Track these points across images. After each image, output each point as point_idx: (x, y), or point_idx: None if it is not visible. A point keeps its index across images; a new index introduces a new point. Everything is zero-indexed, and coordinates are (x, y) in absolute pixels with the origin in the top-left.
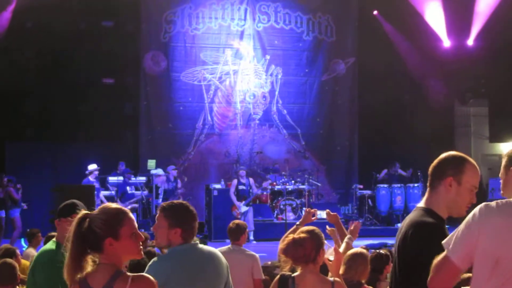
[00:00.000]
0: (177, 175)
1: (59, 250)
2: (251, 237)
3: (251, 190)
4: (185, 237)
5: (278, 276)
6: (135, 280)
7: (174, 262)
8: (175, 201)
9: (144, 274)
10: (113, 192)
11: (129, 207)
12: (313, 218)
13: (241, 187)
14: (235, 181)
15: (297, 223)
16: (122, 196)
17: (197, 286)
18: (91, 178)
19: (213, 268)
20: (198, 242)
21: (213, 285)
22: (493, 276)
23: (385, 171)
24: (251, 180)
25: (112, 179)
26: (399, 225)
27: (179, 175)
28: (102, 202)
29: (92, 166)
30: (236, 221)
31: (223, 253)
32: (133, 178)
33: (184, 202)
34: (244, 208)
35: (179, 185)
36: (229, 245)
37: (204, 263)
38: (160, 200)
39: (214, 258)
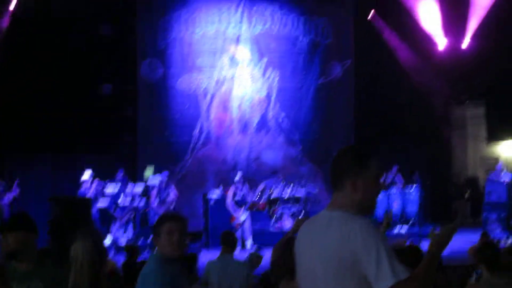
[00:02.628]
0: (166, 184)
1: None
2: (248, 246)
3: (247, 197)
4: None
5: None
6: None
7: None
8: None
9: None
10: (109, 203)
11: (125, 218)
12: None
13: (238, 195)
14: (231, 191)
15: (288, 232)
16: (117, 207)
17: None
18: (86, 188)
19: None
20: None
21: None
22: None
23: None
24: (246, 186)
25: (108, 190)
26: (396, 229)
27: (168, 182)
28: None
29: (86, 175)
30: (228, 231)
31: (215, 262)
32: (129, 187)
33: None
34: (243, 217)
35: (172, 193)
36: (219, 255)
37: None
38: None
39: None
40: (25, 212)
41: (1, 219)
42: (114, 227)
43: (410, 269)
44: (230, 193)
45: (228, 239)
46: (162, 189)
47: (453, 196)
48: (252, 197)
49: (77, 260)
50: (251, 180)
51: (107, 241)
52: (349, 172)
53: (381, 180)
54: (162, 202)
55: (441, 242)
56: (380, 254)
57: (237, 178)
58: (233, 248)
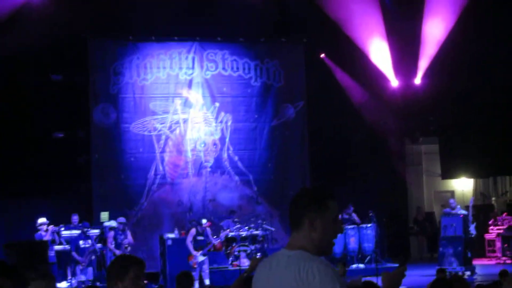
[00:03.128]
0: (123, 228)
1: None
2: (207, 283)
3: (207, 240)
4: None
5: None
6: None
7: None
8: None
9: None
10: (67, 246)
11: (87, 261)
12: None
13: (199, 237)
14: (193, 230)
15: (245, 271)
16: (77, 250)
17: None
18: (42, 232)
19: None
20: None
21: None
22: None
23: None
24: (208, 230)
25: (65, 233)
26: (353, 266)
27: (125, 227)
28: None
29: (41, 220)
30: (185, 271)
31: None
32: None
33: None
34: (201, 258)
35: (128, 237)
36: None
37: None
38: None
39: None
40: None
41: None
42: (78, 270)
43: None
44: (192, 231)
45: (183, 280)
46: (119, 233)
47: (412, 232)
48: (212, 240)
49: None
50: (208, 221)
51: (65, 284)
52: (308, 212)
53: (338, 222)
54: (118, 245)
55: (393, 281)
56: None
57: (204, 221)
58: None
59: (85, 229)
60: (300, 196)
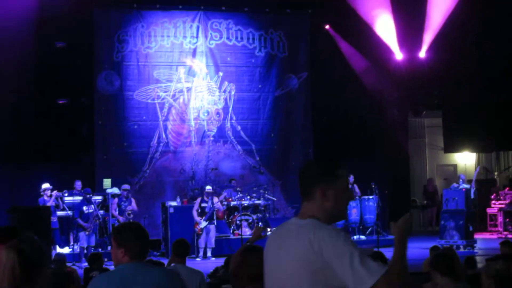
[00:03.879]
0: (127, 195)
1: None
2: (209, 254)
3: (213, 207)
4: (130, 256)
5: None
6: None
7: (111, 279)
8: (124, 222)
9: None
10: (70, 212)
11: (91, 227)
12: (263, 235)
13: (204, 204)
14: (199, 199)
15: (248, 240)
16: (80, 215)
17: None
18: (46, 197)
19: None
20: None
21: None
22: None
23: None
24: (215, 198)
25: (68, 199)
26: (355, 237)
27: (129, 194)
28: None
29: (45, 185)
30: (181, 239)
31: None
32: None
33: (132, 222)
34: (204, 224)
35: (132, 204)
36: (173, 264)
37: (143, 282)
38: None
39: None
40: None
41: None
42: (81, 236)
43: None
44: (197, 201)
45: (178, 248)
46: (123, 200)
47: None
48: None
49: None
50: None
51: (67, 250)
52: (320, 181)
53: (349, 190)
54: (121, 212)
55: (403, 228)
56: (353, 259)
57: (208, 187)
58: (184, 256)
59: (88, 195)
60: (311, 167)
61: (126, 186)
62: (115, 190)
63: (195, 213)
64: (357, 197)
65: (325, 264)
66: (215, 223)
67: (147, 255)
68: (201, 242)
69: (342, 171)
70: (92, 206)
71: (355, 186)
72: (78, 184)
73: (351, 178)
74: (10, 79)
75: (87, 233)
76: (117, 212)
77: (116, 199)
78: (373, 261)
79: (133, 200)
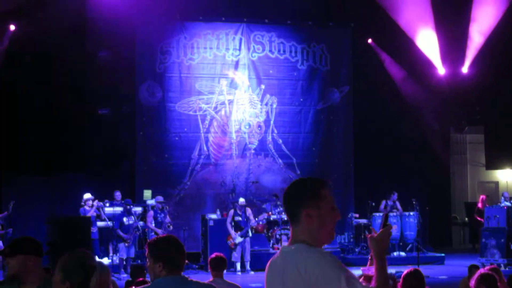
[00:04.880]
0: (161, 207)
1: None
2: (248, 267)
3: (248, 221)
4: (168, 269)
5: None
6: None
7: None
8: (160, 237)
9: None
10: (109, 223)
11: (131, 239)
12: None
13: (237, 217)
14: (231, 211)
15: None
16: (120, 227)
17: None
18: (87, 207)
19: None
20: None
21: None
22: None
23: (383, 202)
24: (248, 210)
25: (108, 209)
26: (395, 253)
27: (164, 206)
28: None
29: (87, 195)
30: (217, 253)
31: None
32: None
33: (168, 235)
34: (239, 239)
35: (167, 216)
36: (211, 279)
37: None
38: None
39: None
40: (27, 236)
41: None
42: (120, 247)
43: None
44: (230, 212)
45: (215, 263)
46: (158, 212)
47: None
48: (252, 222)
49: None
50: (250, 203)
51: (106, 261)
52: (303, 203)
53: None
54: (159, 224)
55: (380, 240)
56: (340, 283)
57: (241, 200)
58: (221, 270)
59: (128, 206)
60: (293, 189)
61: (160, 198)
62: (154, 201)
63: (229, 226)
64: (398, 214)
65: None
66: (250, 235)
67: (183, 268)
68: (235, 256)
69: (325, 190)
70: (132, 217)
71: (397, 203)
72: (118, 195)
73: (395, 196)
74: (53, 87)
75: (126, 244)
76: (153, 225)
77: (151, 212)
78: (360, 283)
79: (166, 212)
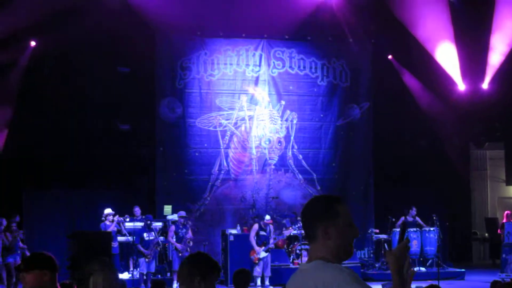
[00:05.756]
0: (184, 222)
1: None
2: (267, 283)
3: (271, 237)
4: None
5: None
6: None
7: None
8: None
9: None
10: (130, 238)
11: (152, 254)
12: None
13: (262, 232)
14: (256, 226)
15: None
16: (141, 242)
17: None
18: (108, 222)
19: None
20: None
21: None
22: None
23: (402, 218)
24: (271, 227)
25: (128, 224)
26: (415, 269)
27: (186, 221)
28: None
29: (108, 210)
30: (242, 269)
31: None
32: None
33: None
34: (263, 254)
35: (188, 231)
36: None
37: None
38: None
39: None
40: (41, 252)
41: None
42: (141, 262)
43: None
44: (255, 227)
45: (239, 278)
46: (179, 227)
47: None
48: (273, 239)
49: None
50: (271, 219)
51: (127, 275)
52: (319, 221)
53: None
54: (179, 239)
55: (398, 256)
56: None
57: (267, 218)
58: (245, 286)
59: (149, 222)
60: (309, 207)
61: (183, 213)
62: (175, 217)
63: (253, 241)
64: (418, 229)
65: None
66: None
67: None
68: (257, 271)
69: (341, 206)
70: (153, 233)
71: (418, 218)
72: (137, 210)
73: (413, 211)
74: (72, 102)
75: (147, 260)
76: (174, 239)
77: (173, 226)
78: None
79: (189, 227)
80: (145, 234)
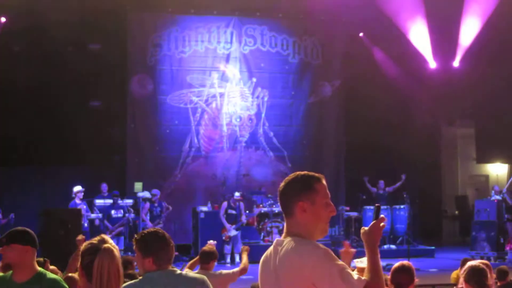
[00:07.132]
0: (156, 200)
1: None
2: (238, 259)
3: (242, 214)
4: (158, 264)
5: None
6: None
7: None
8: (146, 231)
9: None
10: (100, 215)
11: (116, 230)
12: None
13: (231, 211)
14: (225, 204)
15: None
16: (108, 219)
17: None
18: (77, 200)
19: None
20: (175, 269)
21: None
22: None
23: (374, 190)
24: (242, 205)
25: (99, 201)
26: (385, 246)
27: (161, 199)
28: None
29: (77, 188)
30: (210, 246)
31: None
32: (119, 201)
33: (156, 229)
34: (233, 232)
35: (164, 209)
36: (197, 270)
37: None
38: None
39: (191, 284)
40: (24, 227)
41: None
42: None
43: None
44: (224, 205)
45: (204, 256)
46: (154, 205)
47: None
48: (244, 217)
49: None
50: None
51: None
52: (296, 196)
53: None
54: (153, 218)
55: (372, 233)
56: (334, 276)
57: (237, 195)
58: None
59: (115, 198)
60: (288, 182)
61: (156, 191)
62: (146, 194)
63: (223, 219)
64: (388, 207)
65: (309, 282)
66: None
67: (172, 261)
68: (227, 248)
69: (322, 185)
70: (121, 210)
71: (388, 188)
72: (104, 186)
73: (381, 184)
74: (42, 78)
75: (109, 235)
76: (148, 217)
77: (147, 204)
78: (353, 275)
79: (164, 203)
80: (112, 211)
